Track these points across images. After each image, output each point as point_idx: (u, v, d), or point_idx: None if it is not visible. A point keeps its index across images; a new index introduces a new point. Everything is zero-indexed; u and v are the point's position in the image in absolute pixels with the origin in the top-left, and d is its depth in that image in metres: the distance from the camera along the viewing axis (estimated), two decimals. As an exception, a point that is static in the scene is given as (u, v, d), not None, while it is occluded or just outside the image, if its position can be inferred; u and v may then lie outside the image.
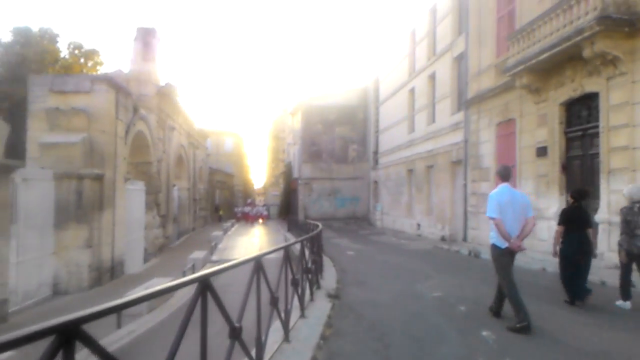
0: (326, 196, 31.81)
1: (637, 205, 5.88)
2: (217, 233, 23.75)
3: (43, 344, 1.47)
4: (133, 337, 8.35)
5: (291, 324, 4.86)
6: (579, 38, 8.95)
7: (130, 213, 15.72)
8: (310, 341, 4.50)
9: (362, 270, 10.23)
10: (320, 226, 11.32)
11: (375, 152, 29.64)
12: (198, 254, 15.42)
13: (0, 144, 9.15)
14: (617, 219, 8.59)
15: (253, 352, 3.34)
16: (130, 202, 15.80)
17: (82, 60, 34.29)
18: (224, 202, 48.20)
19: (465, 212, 15.65)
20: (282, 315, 4.40)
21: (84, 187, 12.67)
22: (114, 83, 13.66)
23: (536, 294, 6.86)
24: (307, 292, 6.35)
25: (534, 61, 10.55)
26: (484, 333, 4.81)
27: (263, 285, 3.79)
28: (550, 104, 11.08)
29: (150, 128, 17.74)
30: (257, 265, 3.53)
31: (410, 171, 22.40)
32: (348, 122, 32.38)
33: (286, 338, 4.41)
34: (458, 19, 17.63)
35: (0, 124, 9.42)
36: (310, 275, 6.60)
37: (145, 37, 19.06)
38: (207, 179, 38.47)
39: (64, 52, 33.98)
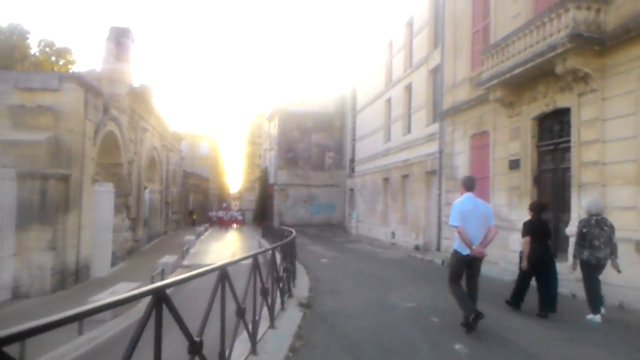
0: (302, 202, 31.65)
1: (594, 218, 6.21)
2: (189, 237, 23.23)
3: None
4: (94, 345, 8.00)
5: (259, 335, 4.69)
6: (551, 54, 9.12)
7: (98, 215, 15.20)
8: (278, 354, 4.34)
9: (335, 279, 10.11)
10: (294, 233, 11.16)
11: (352, 160, 29.70)
12: (168, 259, 15.03)
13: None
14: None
15: (217, 367, 3.17)
16: (99, 204, 15.28)
17: (53, 58, 33.29)
18: (198, 206, 47.38)
19: (440, 222, 15.77)
20: (250, 326, 4.22)
21: (49, 187, 12.16)
22: (83, 81, 13.21)
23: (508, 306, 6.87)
24: (278, 301, 6.18)
25: (507, 75, 10.72)
26: (457, 346, 4.75)
27: (230, 295, 3.62)
28: (523, 118, 11.26)
29: (121, 129, 17.24)
30: (222, 274, 3.35)
31: (386, 180, 22.49)
32: (325, 130, 32.39)
33: (253, 350, 4.23)
34: (434, 32, 17.88)
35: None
36: (281, 284, 6.44)
37: (119, 37, 18.55)
38: (181, 182, 37.74)
39: (35, 49, 32.96)
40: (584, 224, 6.28)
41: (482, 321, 5.73)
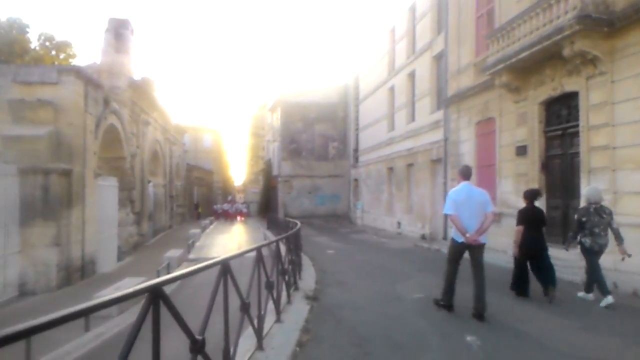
0: (306, 194, 31.53)
1: (593, 206, 6.37)
2: (194, 231, 23.20)
3: None
4: (100, 341, 7.95)
5: (266, 329, 4.59)
6: (559, 37, 8.88)
7: (102, 210, 15.15)
8: (285, 349, 4.23)
9: (341, 270, 10.00)
10: (299, 224, 11.05)
11: (356, 150, 29.50)
12: (174, 253, 14.99)
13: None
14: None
15: (222, 365, 3.06)
16: (102, 199, 15.23)
17: (53, 52, 33.11)
18: (203, 199, 47.40)
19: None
20: (255, 321, 4.11)
21: (51, 182, 12.09)
22: (82, 74, 13.07)
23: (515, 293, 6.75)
24: (284, 294, 6.08)
25: (513, 60, 10.48)
26: (469, 338, 4.62)
27: (234, 290, 3.51)
28: (530, 103, 11.04)
29: (122, 122, 17.13)
30: (224, 268, 3.23)
31: (390, 169, 22.30)
32: (328, 120, 32.14)
33: (259, 346, 4.13)
34: (437, 17, 17.57)
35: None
36: (287, 277, 6.33)
37: (118, 28, 18.37)
38: (185, 176, 37.70)
39: (34, 44, 32.80)
40: (583, 212, 6.43)
41: (493, 311, 5.70)
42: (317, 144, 32.12)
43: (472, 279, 5.56)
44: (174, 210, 30.80)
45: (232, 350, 3.33)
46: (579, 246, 6.54)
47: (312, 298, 6.64)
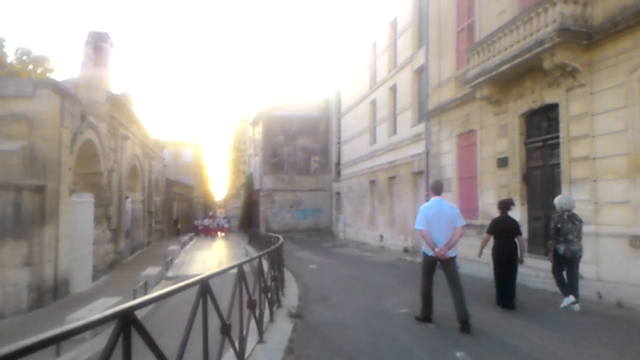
0: (288, 208, 31.27)
1: (566, 213, 6.58)
2: (173, 247, 22.66)
3: None
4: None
5: (248, 351, 4.35)
6: (539, 49, 9.00)
7: (76, 227, 14.62)
8: (268, 371, 4.00)
9: (325, 286, 9.78)
10: (281, 239, 10.82)
11: (338, 164, 29.46)
12: (152, 271, 14.55)
13: None
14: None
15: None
16: (77, 216, 14.71)
17: (30, 66, 32.48)
18: (183, 215, 46.57)
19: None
20: (237, 343, 3.88)
21: (23, 199, 11.63)
22: (58, 88, 12.71)
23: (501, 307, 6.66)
24: (267, 312, 5.84)
25: (494, 72, 10.59)
26: (458, 354, 4.46)
27: (214, 309, 3.29)
28: (511, 115, 11.14)
29: (100, 137, 16.69)
30: (203, 288, 3.02)
31: (372, 182, 22.28)
32: (310, 134, 32.11)
33: (241, 369, 3.89)
34: (418, 32, 17.79)
35: None
36: (270, 294, 6.10)
37: (97, 42, 18.03)
38: (164, 191, 37.00)
39: (11, 58, 32.13)
40: (558, 219, 6.61)
41: (480, 324, 5.60)
42: (299, 158, 32.00)
43: (450, 292, 5.66)
44: (152, 227, 30.10)
45: (211, 376, 3.10)
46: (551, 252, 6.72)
47: (296, 315, 6.41)
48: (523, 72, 10.23)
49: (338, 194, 29.27)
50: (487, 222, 11.58)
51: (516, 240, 6.78)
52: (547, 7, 8.82)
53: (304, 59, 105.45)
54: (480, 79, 11.16)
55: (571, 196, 7.25)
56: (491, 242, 7.04)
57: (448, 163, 14.39)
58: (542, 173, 10.33)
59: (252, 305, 4.58)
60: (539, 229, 10.23)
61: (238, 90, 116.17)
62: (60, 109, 12.78)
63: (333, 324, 6.02)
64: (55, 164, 12.59)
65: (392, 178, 19.66)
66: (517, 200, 10.79)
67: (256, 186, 35.29)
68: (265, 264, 6.88)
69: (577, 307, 6.38)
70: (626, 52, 7.95)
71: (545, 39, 8.78)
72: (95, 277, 16.43)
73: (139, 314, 6.15)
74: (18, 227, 11.59)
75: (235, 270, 4.30)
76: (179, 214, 45.20)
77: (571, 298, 6.42)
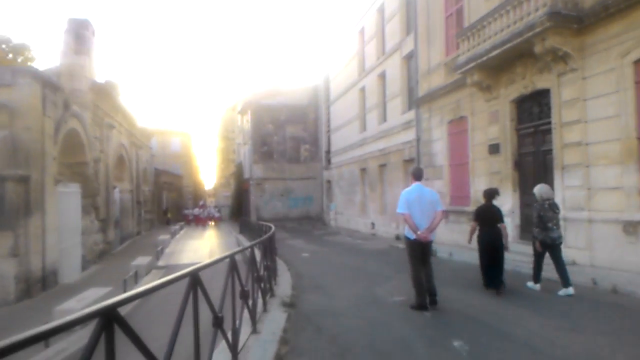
0: (279, 196, 31.13)
1: (547, 202, 6.80)
2: (163, 237, 22.43)
3: None
4: (62, 358, 7.42)
5: (241, 342, 4.26)
6: (530, 34, 8.92)
7: (64, 218, 14.37)
8: (262, 363, 3.91)
9: (318, 274, 9.73)
10: (273, 228, 10.72)
11: (328, 152, 29.32)
12: (142, 260, 14.38)
13: None
14: (573, 214, 8.72)
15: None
16: (64, 206, 14.44)
17: (10, 55, 31.58)
18: (173, 205, 46.17)
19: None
20: (229, 334, 3.78)
21: (6, 189, 11.37)
22: (39, 76, 12.34)
23: (505, 291, 6.66)
24: (260, 301, 5.75)
25: (484, 58, 10.50)
26: (456, 343, 4.42)
27: (205, 301, 3.18)
28: (502, 101, 11.09)
29: (84, 126, 16.33)
30: (194, 280, 2.90)
31: (363, 170, 22.21)
32: (299, 122, 31.87)
33: (234, 362, 3.79)
34: (406, 18, 17.59)
35: None
36: (263, 284, 6.00)
37: (78, 29, 17.54)
38: (153, 181, 36.59)
39: (-11, 47, 31.24)
40: (539, 208, 6.81)
41: (476, 312, 5.58)
42: (288, 147, 31.79)
43: (422, 270, 5.94)
44: (142, 216, 29.78)
45: (203, 371, 3.00)
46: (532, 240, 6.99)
47: (289, 305, 6.33)
48: (514, 57, 10.15)
49: (329, 182, 29.19)
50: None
51: (499, 227, 7.00)
52: (538, -10, 8.71)
53: (291, 47, 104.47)
54: (471, 65, 11.07)
55: (548, 186, 7.42)
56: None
57: (439, 150, 14.34)
58: (533, 159, 10.32)
59: (244, 295, 4.48)
60: (530, 216, 10.18)
61: (225, 79, 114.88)
62: (41, 97, 12.43)
63: (327, 313, 5.95)
64: (38, 153, 12.29)
65: (382, 166, 19.60)
66: (509, 187, 10.82)
67: (246, 175, 35.05)
68: (257, 254, 6.78)
69: (571, 290, 6.53)
70: (618, 36, 7.90)
71: (535, 23, 8.69)
72: (84, 267, 16.23)
73: (127, 307, 5.96)
74: (3, 218, 11.34)
75: (226, 261, 4.18)
76: (169, 203, 44.82)
77: (537, 286, 6.92)
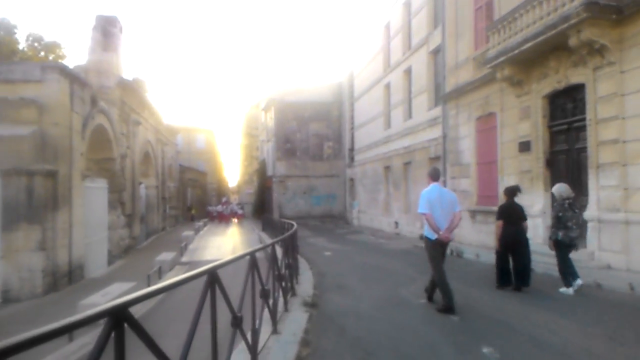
0: (301, 194, 31.09)
1: (567, 201, 6.76)
2: (188, 233, 22.71)
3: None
4: (85, 353, 7.47)
5: (261, 343, 4.14)
6: (564, 26, 8.49)
7: (91, 212, 14.62)
8: (283, 365, 3.78)
9: (341, 273, 9.56)
10: (295, 226, 10.62)
11: (351, 149, 29.07)
12: (166, 256, 14.54)
13: None
14: (608, 216, 8.29)
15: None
16: (91, 201, 14.70)
17: (42, 53, 32.48)
18: (197, 201, 46.75)
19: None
20: (249, 335, 3.66)
21: (35, 184, 11.59)
22: (67, 72, 12.54)
23: (536, 294, 6.35)
24: (281, 300, 5.63)
25: (516, 51, 10.08)
26: (485, 350, 4.17)
27: (223, 300, 3.06)
28: (533, 97, 10.65)
29: (111, 122, 16.58)
30: (211, 278, 2.78)
31: (387, 168, 21.90)
32: (323, 119, 31.73)
33: (254, 363, 3.67)
34: (433, 11, 17.19)
35: None
36: (284, 282, 5.87)
37: (106, 26, 17.82)
38: (178, 177, 37.09)
39: (23, 45, 32.19)
40: (559, 208, 6.77)
41: (506, 316, 5.34)
42: (311, 144, 31.70)
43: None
44: (167, 212, 30.21)
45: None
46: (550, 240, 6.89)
47: (311, 305, 6.19)
48: (547, 50, 9.72)
49: (352, 180, 28.95)
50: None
51: (523, 225, 7.03)
52: (574, -21, 8.28)
53: (315, 43, 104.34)
54: (501, 59, 10.66)
55: (568, 185, 7.23)
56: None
57: (466, 147, 13.95)
58: (567, 158, 9.88)
59: (265, 295, 4.35)
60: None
61: (250, 76, 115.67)
62: (69, 93, 12.64)
63: (350, 314, 5.78)
64: (66, 149, 12.50)
65: (407, 163, 19.26)
66: (541, 187, 10.40)
67: (269, 172, 35.14)
68: (279, 251, 6.66)
69: (579, 282, 6.60)
70: (662, 27, 7.44)
71: (571, 14, 8.26)
72: (110, 262, 16.52)
73: (147, 304, 5.91)
74: (31, 212, 11.57)
75: (247, 259, 4.06)
76: (193, 199, 45.38)
77: (570, 291, 6.61)
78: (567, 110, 9.91)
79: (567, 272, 6.72)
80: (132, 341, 1.88)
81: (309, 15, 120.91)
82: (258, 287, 4.24)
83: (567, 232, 6.58)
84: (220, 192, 60.93)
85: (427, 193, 5.93)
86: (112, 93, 17.15)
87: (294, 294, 6.72)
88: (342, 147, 31.32)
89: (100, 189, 16.04)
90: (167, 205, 30.31)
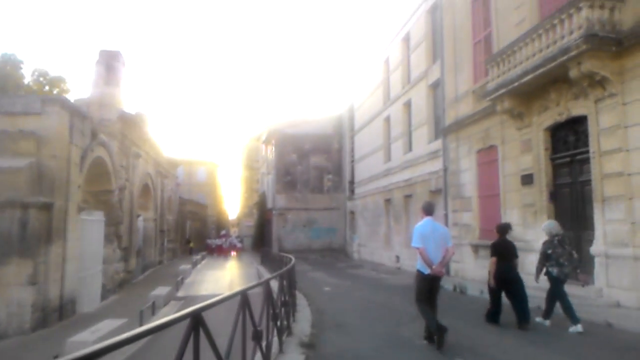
0: (301, 227, 30.74)
1: (556, 238, 6.92)
2: (185, 267, 22.27)
3: None
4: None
5: (251, 390, 3.83)
6: (564, 58, 8.49)
7: (86, 246, 14.30)
8: (274, 416, 3.46)
9: (340, 310, 9.19)
10: (293, 260, 10.31)
11: (351, 182, 28.95)
12: (161, 291, 14.16)
13: None
14: (616, 251, 8.02)
15: None
16: (87, 234, 14.41)
17: (47, 87, 33.07)
18: (196, 234, 46.24)
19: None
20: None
21: (30, 217, 11.34)
22: (67, 105, 12.53)
23: (543, 334, 6.01)
24: (275, 340, 5.31)
25: (516, 84, 10.08)
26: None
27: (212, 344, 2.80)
28: (534, 129, 10.57)
29: (111, 154, 16.50)
30: (195, 321, 2.54)
31: (387, 201, 21.68)
32: (323, 152, 31.78)
33: (242, 415, 3.36)
34: (432, 46, 17.43)
35: None
36: (279, 322, 5.57)
37: (109, 60, 18.05)
38: (177, 210, 36.78)
39: (28, 79, 32.77)
40: (548, 245, 6.91)
41: (508, 355, 4.96)
42: (312, 176, 31.61)
43: (429, 306, 5.88)
44: (164, 246, 29.75)
45: None
46: (545, 276, 6.95)
47: (308, 345, 5.84)
48: (547, 83, 9.70)
49: (352, 212, 28.68)
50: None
51: (515, 261, 7.22)
52: (571, 12, 8.34)
53: (316, 77, 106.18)
54: (501, 91, 10.65)
55: (556, 222, 7.64)
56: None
57: (467, 181, 13.79)
58: (570, 191, 9.69)
59: (257, 337, 4.06)
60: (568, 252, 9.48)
61: (250, 108, 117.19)
62: (69, 126, 12.59)
63: (349, 357, 5.45)
64: (63, 181, 12.33)
65: (408, 196, 19.06)
66: (545, 220, 10.12)
67: (269, 205, 34.90)
68: (275, 288, 6.38)
69: (580, 327, 6.44)
70: (662, 59, 7.41)
71: (571, 46, 8.27)
72: (104, 297, 16.05)
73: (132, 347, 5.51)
74: (24, 245, 11.28)
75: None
76: (192, 232, 44.89)
77: (579, 327, 6.43)
78: (569, 143, 9.80)
79: (567, 307, 6.66)
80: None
81: (310, 49, 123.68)
82: (251, 328, 3.97)
83: (562, 269, 6.68)
84: (220, 225, 60.46)
85: (420, 227, 6.00)
86: (112, 126, 17.16)
87: (290, 333, 6.38)
88: (342, 180, 31.22)
89: (97, 221, 15.78)
90: (165, 239, 29.90)
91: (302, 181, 31.48)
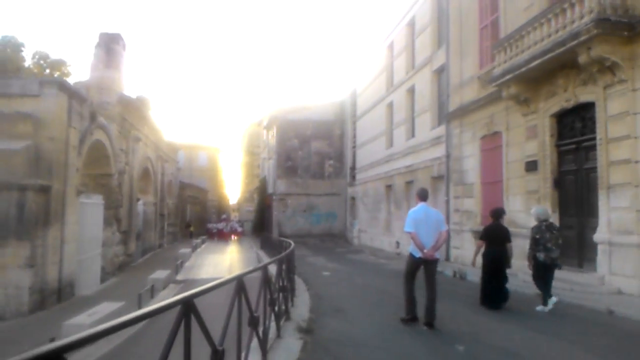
0: (301, 212, 30.69)
1: (544, 223, 7.05)
2: (184, 250, 22.27)
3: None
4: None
5: (248, 376, 3.73)
6: (574, 42, 8.26)
7: (84, 229, 14.25)
8: (270, 404, 3.37)
9: (339, 295, 9.12)
10: (293, 245, 10.22)
11: (353, 168, 28.80)
12: (160, 274, 14.12)
13: None
14: (619, 238, 7.89)
15: None
16: (86, 217, 14.34)
17: (47, 70, 32.75)
18: (196, 218, 46.24)
19: (448, 230, 14.80)
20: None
21: (27, 199, 11.25)
22: (66, 87, 12.33)
23: (547, 321, 5.92)
24: (273, 325, 5.23)
25: (523, 69, 9.85)
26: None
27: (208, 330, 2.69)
28: (540, 116, 10.37)
29: (110, 138, 16.34)
30: (186, 308, 2.41)
31: (388, 187, 21.55)
32: (325, 137, 31.55)
33: (238, 402, 3.27)
34: (437, 31, 17.09)
35: None
36: (277, 307, 5.48)
37: (109, 43, 17.78)
38: (178, 194, 36.73)
39: (29, 62, 32.46)
40: (536, 230, 7.04)
41: (517, 347, 4.89)
42: (313, 162, 31.44)
43: (425, 291, 5.92)
44: (164, 229, 29.76)
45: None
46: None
47: (306, 330, 5.77)
48: (555, 68, 9.47)
49: (353, 198, 28.58)
50: (514, 230, 10.85)
51: (507, 246, 7.28)
52: (582, -5, 8.08)
53: (319, 62, 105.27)
54: (508, 77, 10.42)
55: (545, 207, 8.07)
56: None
57: (470, 167, 13.63)
58: (575, 178, 9.54)
59: (254, 322, 3.96)
60: (571, 239, 9.35)
61: (252, 94, 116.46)
62: (67, 108, 12.41)
63: (347, 342, 5.36)
64: (61, 164, 12.21)
65: (409, 183, 18.92)
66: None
67: (269, 190, 34.82)
68: (273, 272, 6.28)
69: (555, 299, 6.92)
70: (675, 44, 7.18)
71: (581, 30, 8.03)
72: (103, 279, 16.05)
73: (128, 331, 5.41)
74: (21, 227, 11.22)
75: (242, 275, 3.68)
76: (193, 216, 44.89)
77: (546, 309, 6.84)
78: (575, 129, 9.61)
79: (544, 290, 6.96)
80: None
81: (312, 34, 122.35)
82: (246, 315, 3.87)
83: (549, 254, 6.79)
84: (221, 209, 60.45)
85: (414, 213, 6.19)
86: (112, 109, 16.97)
87: (288, 318, 6.30)
88: (343, 166, 31.05)
89: (96, 205, 15.70)
90: (165, 222, 29.90)
91: (303, 167, 31.33)
